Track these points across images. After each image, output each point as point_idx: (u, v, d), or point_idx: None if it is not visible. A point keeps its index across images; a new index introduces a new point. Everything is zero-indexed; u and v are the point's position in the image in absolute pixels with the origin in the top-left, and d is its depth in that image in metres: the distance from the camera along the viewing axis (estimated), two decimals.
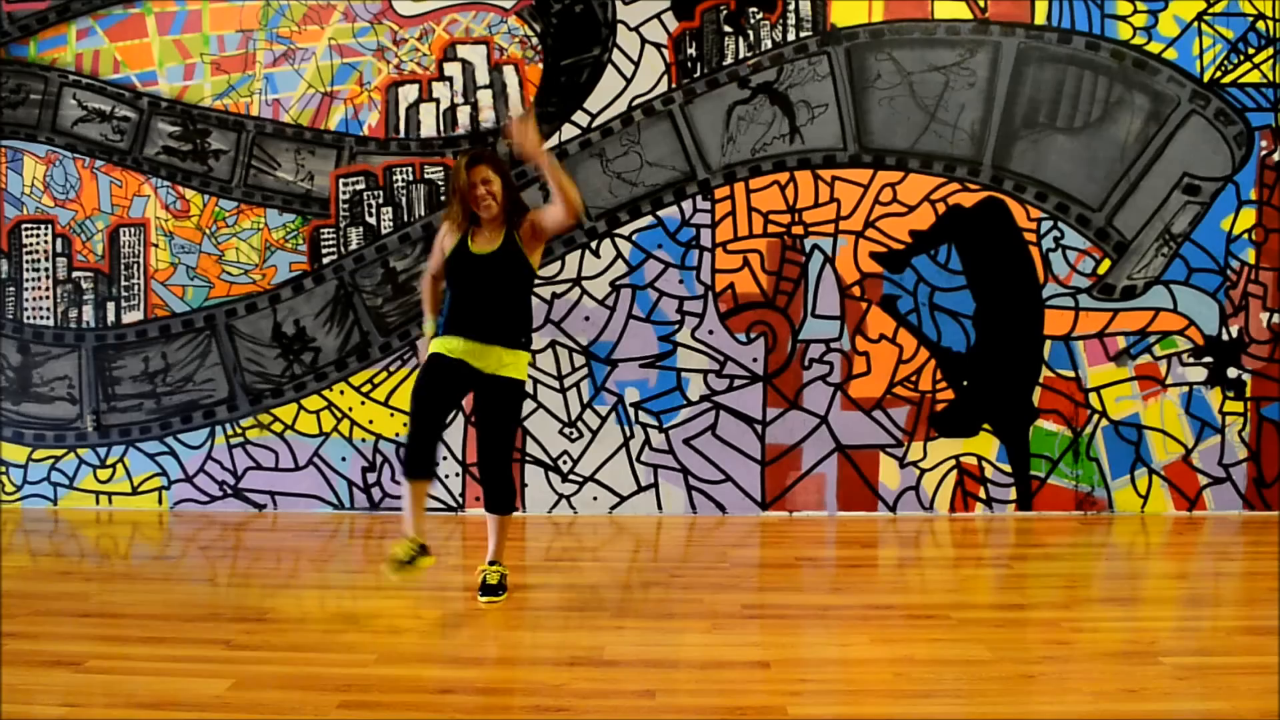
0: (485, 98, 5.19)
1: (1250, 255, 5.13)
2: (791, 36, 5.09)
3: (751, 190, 5.12)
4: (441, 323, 3.78)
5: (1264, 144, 5.08)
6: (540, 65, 5.17)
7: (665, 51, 5.12)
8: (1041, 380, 5.16)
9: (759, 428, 5.18)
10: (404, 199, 5.21)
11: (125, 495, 5.38)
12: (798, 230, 5.13)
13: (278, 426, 5.29)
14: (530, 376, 5.17)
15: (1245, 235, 5.12)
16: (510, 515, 3.85)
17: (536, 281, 5.17)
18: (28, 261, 5.37)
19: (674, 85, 5.12)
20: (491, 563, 3.83)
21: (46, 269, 5.36)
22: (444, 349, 3.70)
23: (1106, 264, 5.12)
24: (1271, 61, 5.07)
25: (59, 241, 5.35)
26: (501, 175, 3.70)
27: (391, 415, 5.25)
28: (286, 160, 5.25)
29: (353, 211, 5.24)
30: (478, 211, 3.68)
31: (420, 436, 3.64)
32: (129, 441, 5.35)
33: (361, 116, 5.22)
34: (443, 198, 5.17)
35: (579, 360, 5.18)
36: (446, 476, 5.23)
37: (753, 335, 5.16)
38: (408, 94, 5.21)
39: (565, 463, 5.22)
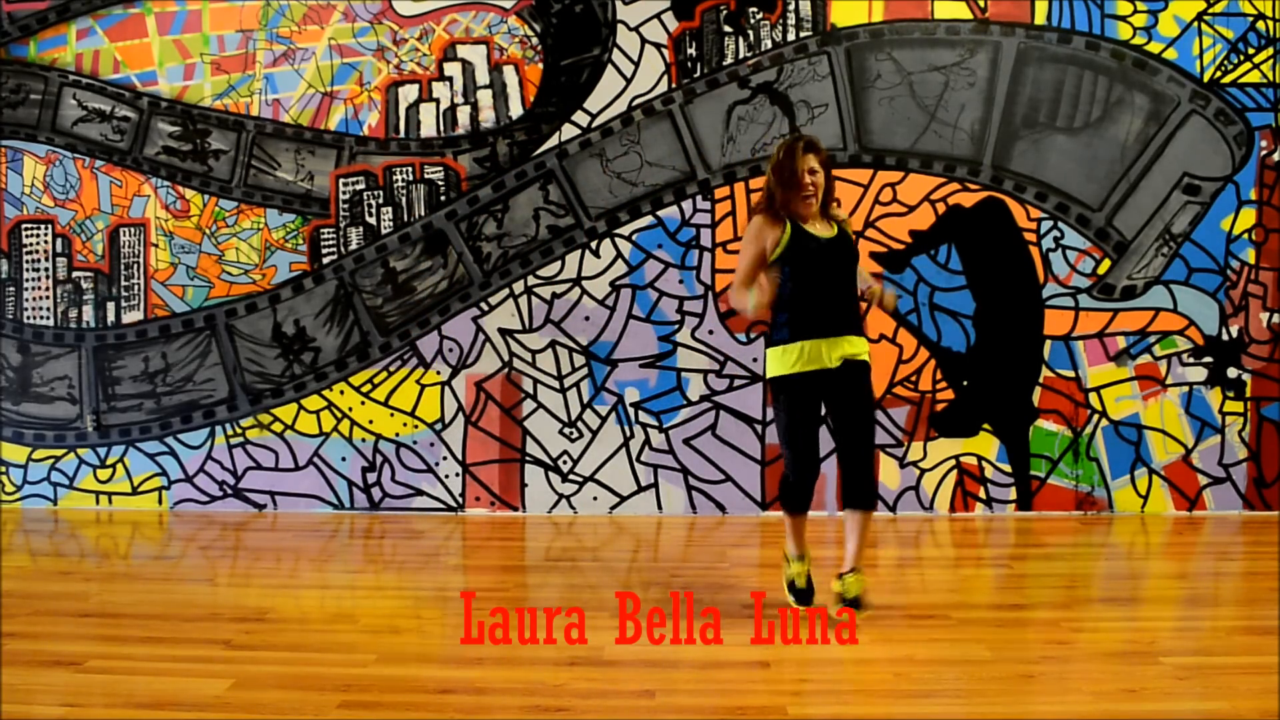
0: (485, 98, 5.19)
1: (1250, 255, 5.13)
2: (791, 36, 5.09)
3: (751, 190, 5.12)
4: (784, 325, 3.47)
5: (1264, 144, 5.08)
6: (540, 65, 5.17)
7: (665, 51, 5.12)
8: (1041, 380, 5.15)
9: (759, 428, 5.18)
10: (404, 199, 5.21)
11: (125, 495, 5.38)
12: None
13: (278, 426, 5.29)
14: (530, 377, 5.18)
15: (1245, 235, 5.12)
16: (872, 512, 3.54)
17: (535, 281, 5.20)
18: (28, 261, 5.37)
19: (674, 85, 5.12)
20: (851, 570, 3.48)
21: (46, 269, 5.36)
22: (798, 362, 3.43)
23: (1106, 264, 5.12)
24: (1271, 61, 5.07)
25: (59, 241, 5.35)
26: (826, 168, 3.47)
27: (391, 415, 5.25)
28: (286, 160, 5.25)
29: (353, 211, 5.24)
30: (798, 202, 3.42)
31: (804, 474, 3.53)
32: (129, 441, 5.35)
33: (361, 116, 5.22)
34: (445, 194, 5.17)
35: (579, 360, 5.18)
36: (446, 476, 5.23)
37: (753, 335, 5.15)
38: (408, 94, 5.21)
39: (565, 463, 5.22)
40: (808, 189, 3.42)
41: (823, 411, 3.54)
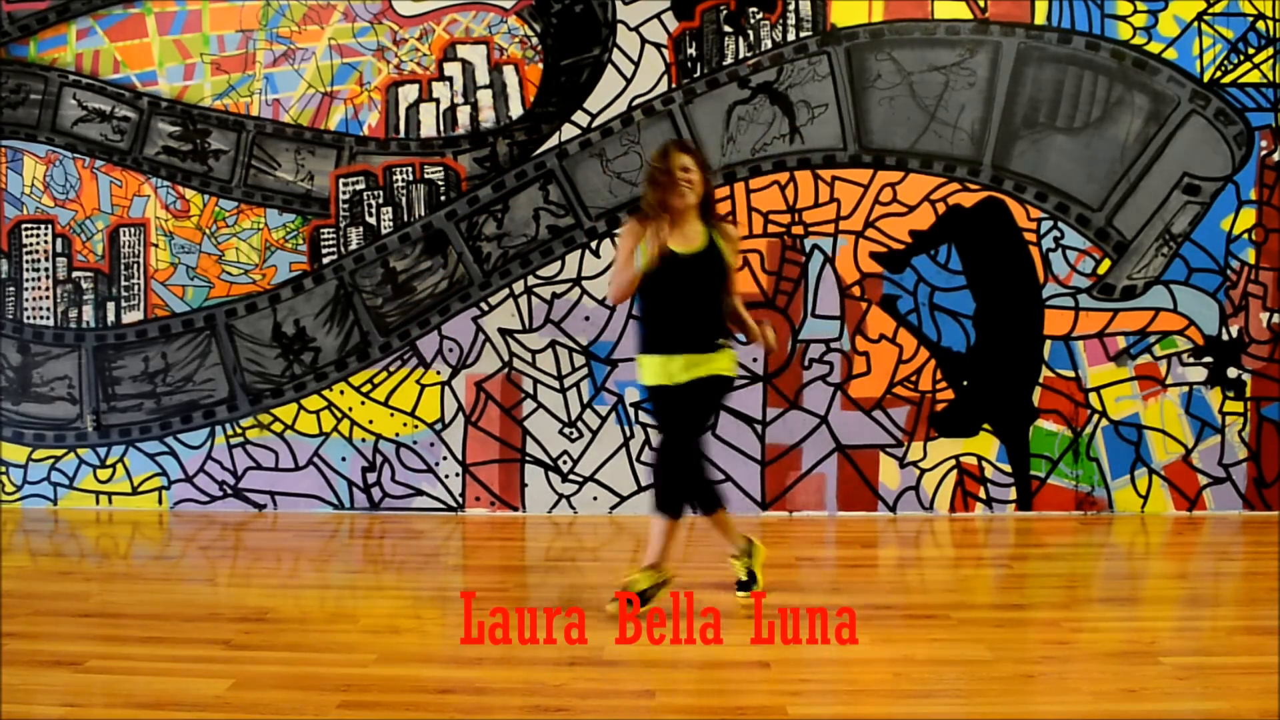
0: (485, 98, 5.19)
1: (1250, 255, 5.13)
2: (791, 36, 5.09)
3: (751, 190, 5.12)
4: (642, 335, 3.58)
5: (1264, 144, 5.08)
6: (540, 65, 5.16)
7: (665, 51, 5.12)
8: (1041, 380, 5.15)
9: (759, 428, 5.18)
10: (404, 199, 5.21)
11: (125, 495, 5.38)
12: (798, 230, 5.13)
13: (278, 426, 5.29)
14: (530, 376, 5.17)
15: (1245, 235, 5.12)
16: (668, 519, 3.57)
17: (536, 281, 5.20)
18: (28, 261, 5.37)
19: (674, 85, 5.12)
20: (649, 567, 3.57)
21: (46, 269, 5.36)
22: (663, 376, 3.53)
23: (1106, 264, 5.12)
24: (1271, 61, 5.07)
25: (59, 241, 5.35)
26: (703, 169, 3.56)
27: (392, 415, 5.25)
28: (286, 160, 5.25)
29: (353, 211, 5.24)
30: (672, 197, 3.49)
31: (698, 478, 3.58)
32: (129, 441, 5.35)
33: (361, 116, 5.22)
34: (446, 194, 5.17)
35: (579, 360, 5.18)
36: (446, 476, 5.23)
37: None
38: (408, 94, 5.21)
39: (565, 463, 5.22)
40: (682, 184, 3.47)
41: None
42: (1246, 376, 5.16)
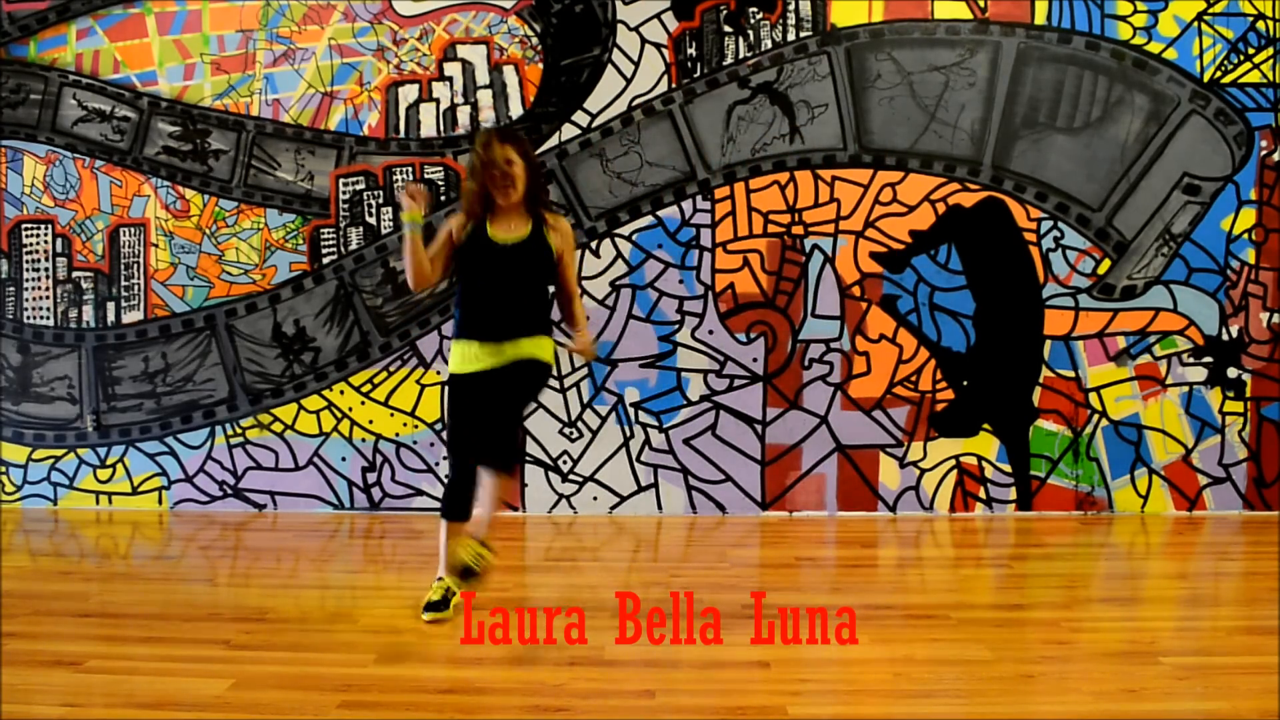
0: (485, 98, 5.19)
1: (1250, 255, 5.13)
2: (791, 36, 5.09)
3: (751, 190, 5.12)
4: (456, 322, 3.54)
5: (1264, 144, 5.08)
6: (540, 65, 5.17)
7: (665, 51, 5.12)
8: (1041, 380, 5.15)
9: (759, 428, 5.18)
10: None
11: (125, 495, 5.38)
12: (798, 230, 5.13)
13: (278, 426, 5.29)
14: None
15: (1245, 235, 5.12)
16: (504, 476, 3.53)
17: None
18: (28, 261, 5.37)
19: (674, 85, 5.12)
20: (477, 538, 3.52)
21: (46, 269, 5.36)
22: (463, 363, 3.49)
23: (1106, 264, 5.12)
24: (1271, 61, 5.07)
25: (59, 241, 5.35)
26: (525, 158, 3.45)
27: (391, 415, 5.25)
28: (286, 160, 5.25)
29: (353, 211, 5.24)
30: (495, 192, 3.43)
31: (462, 479, 3.53)
32: (129, 441, 5.35)
33: (361, 116, 5.22)
34: (446, 194, 5.17)
35: (579, 360, 5.18)
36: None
37: (753, 335, 5.16)
38: (408, 94, 5.21)
39: (565, 463, 5.22)
40: (503, 178, 3.39)
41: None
42: (1246, 376, 5.16)
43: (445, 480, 3.63)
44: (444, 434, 3.63)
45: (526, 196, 3.48)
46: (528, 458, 5.22)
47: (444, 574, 3.58)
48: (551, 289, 3.67)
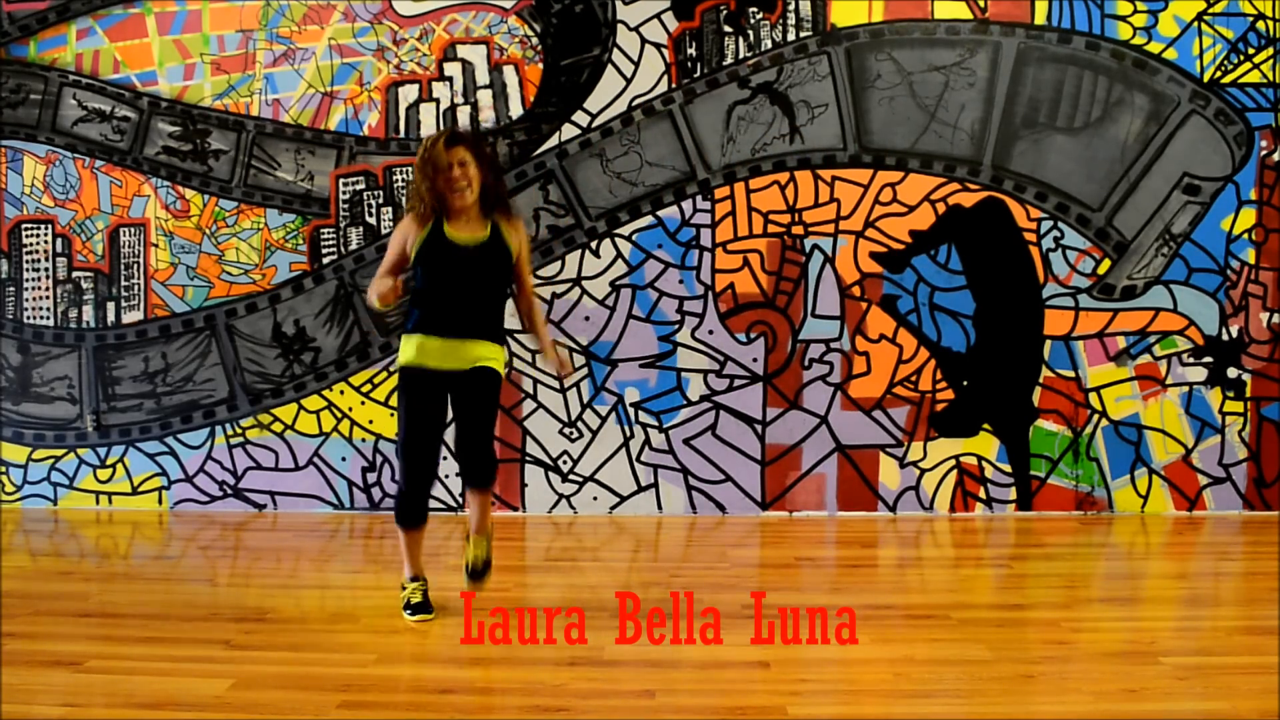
0: (485, 98, 5.19)
1: (1250, 255, 5.13)
2: (791, 36, 5.09)
3: (751, 190, 5.12)
4: (412, 318, 3.46)
5: (1264, 144, 5.08)
6: (540, 65, 5.16)
7: (665, 51, 5.12)
8: (1041, 380, 5.15)
9: (759, 428, 5.18)
10: (404, 199, 5.20)
11: (125, 495, 5.38)
12: (798, 230, 5.13)
13: (278, 426, 5.29)
14: (530, 376, 5.17)
15: (1245, 235, 5.12)
16: (490, 489, 3.63)
17: (536, 282, 5.19)
18: (28, 261, 5.37)
19: (674, 85, 5.12)
20: (478, 532, 3.64)
21: (46, 269, 5.36)
22: (417, 355, 3.42)
23: (1106, 264, 5.12)
24: (1271, 61, 5.07)
25: (59, 241, 5.35)
26: (479, 159, 3.39)
27: (392, 415, 5.25)
28: (286, 160, 5.25)
29: (353, 211, 5.24)
30: (449, 196, 3.36)
31: (418, 483, 3.47)
32: (129, 441, 5.35)
33: (361, 116, 5.22)
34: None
35: (579, 360, 5.18)
36: (446, 476, 5.23)
37: (753, 335, 5.16)
38: (408, 94, 5.21)
39: (565, 463, 5.22)
40: (457, 182, 3.34)
41: (446, 419, 3.51)
42: (1246, 376, 5.16)
43: (397, 485, 3.52)
44: (397, 432, 3.55)
45: (483, 197, 3.44)
46: (528, 458, 5.22)
47: (416, 574, 3.61)
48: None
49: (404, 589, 3.63)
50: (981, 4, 5.06)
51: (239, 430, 5.31)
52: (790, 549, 4.56)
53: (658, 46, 5.12)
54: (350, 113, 5.22)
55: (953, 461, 5.18)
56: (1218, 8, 5.05)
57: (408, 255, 3.45)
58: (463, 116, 5.19)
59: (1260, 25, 5.06)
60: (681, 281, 5.16)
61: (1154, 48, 5.05)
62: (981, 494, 5.19)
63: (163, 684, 2.92)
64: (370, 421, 5.26)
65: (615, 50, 5.13)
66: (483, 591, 3.70)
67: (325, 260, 5.25)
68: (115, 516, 5.25)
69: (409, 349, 3.46)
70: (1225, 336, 5.14)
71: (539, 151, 5.14)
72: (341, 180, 5.23)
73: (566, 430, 5.21)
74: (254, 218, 5.27)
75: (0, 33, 5.30)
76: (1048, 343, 5.14)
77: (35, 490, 5.41)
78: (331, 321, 5.26)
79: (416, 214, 3.44)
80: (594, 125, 5.13)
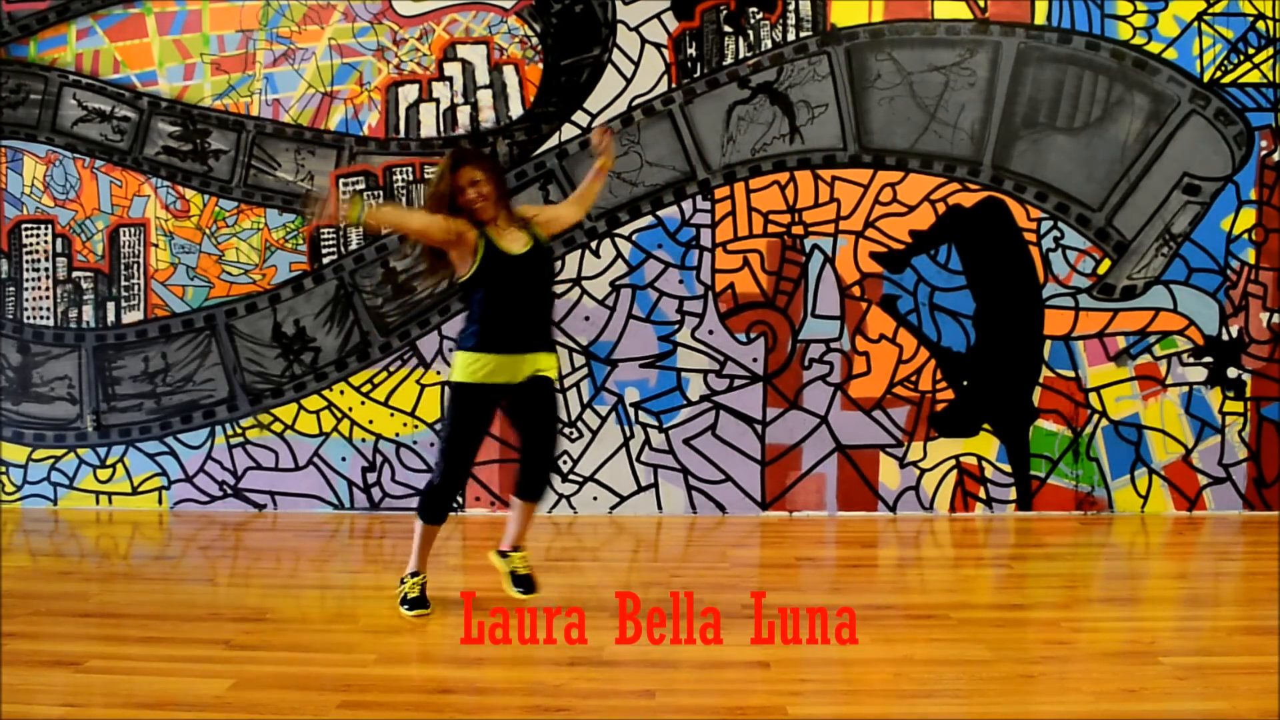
0: (485, 98, 5.19)
1: (1250, 255, 5.13)
2: (791, 36, 5.09)
3: (751, 190, 5.12)
4: (471, 333, 3.50)
5: (1264, 144, 5.08)
6: (540, 65, 5.17)
7: (665, 51, 5.12)
8: (1041, 380, 5.15)
9: (759, 428, 5.18)
10: (404, 199, 5.21)
11: (125, 495, 5.38)
12: (798, 230, 5.13)
13: (278, 426, 5.29)
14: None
15: (1245, 235, 5.12)
16: (538, 505, 3.77)
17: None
18: (28, 261, 5.37)
19: (674, 85, 5.12)
20: (515, 549, 3.76)
21: (46, 269, 5.36)
22: (479, 374, 3.47)
23: (1106, 264, 5.12)
24: (1271, 61, 5.07)
25: (59, 241, 5.35)
26: (490, 172, 3.47)
27: (392, 415, 5.25)
28: (286, 160, 5.25)
29: None
30: (474, 212, 3.44)
31: (455, 483, 3.59)
32: (129, 441, 5.35)
33: (361, 116, 5.22)
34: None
35: (579, 360, 5.18)
36: None
37: (753, 335, 5.16)
38: (408, 94, 5.21)
39: (565, 463, 5.22)
40: (475, 202, 3.42)
41: (491, 428, 3.63)
42: (1246, 376, 5.16)
43: (431, 483, 3.58)
44: (444, 434, 3.58)
45: (502, 206, 3.52)
46: None
47: (419, 569, 3.67)
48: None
49: (403, 583, 3.67)
50: (981, 4, 5.06)
51: (239, 430, 5.31)
52: (790, 549, 4.56)
53: (658, 46, 5.12)
54: (350, 113, 5.22)
55: (953, 461, 5.18)
56: (1218, 8, 5.05)
57: (443, 243, 3.46)
58: (463, 116, 5.19)
59: (1260, 25, 5.06)
60: (681, 281, 5.16)
61: (1154, 48, 5.05)
62: (981, 494, 5.19)
63: (163, 684, 2.92)
64: (370, 421, 5.26)
65: (615, 50, 5.13)
66: (483, 592, 3.70)
67: (325, 260, 5.25)
68: (115, 516, 5.25)
69: (472, 368, 3.48)
70: (1225, 336, 5.14)
71: (539, 151, 5.14)
72: (341, 180, 5.23)
73: (566, 430, 5.21)
74: (254, 218, 5.27)
75: (0, 33, 5.30)
76: (1048, 343, 5.14)
77: (35, 490, 5.41)
78: (331, 321, 5.26)
79: (436, 212, 3.44)
80: (594, 125, 5.13)
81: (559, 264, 5.15)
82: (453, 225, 3.43)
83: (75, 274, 5.35)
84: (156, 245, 5.32)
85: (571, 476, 5.23)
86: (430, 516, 3.62)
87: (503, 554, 3.78)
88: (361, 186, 5.22)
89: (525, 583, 3.68)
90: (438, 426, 5.21)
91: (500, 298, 3.47)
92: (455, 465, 3.56)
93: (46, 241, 5.36)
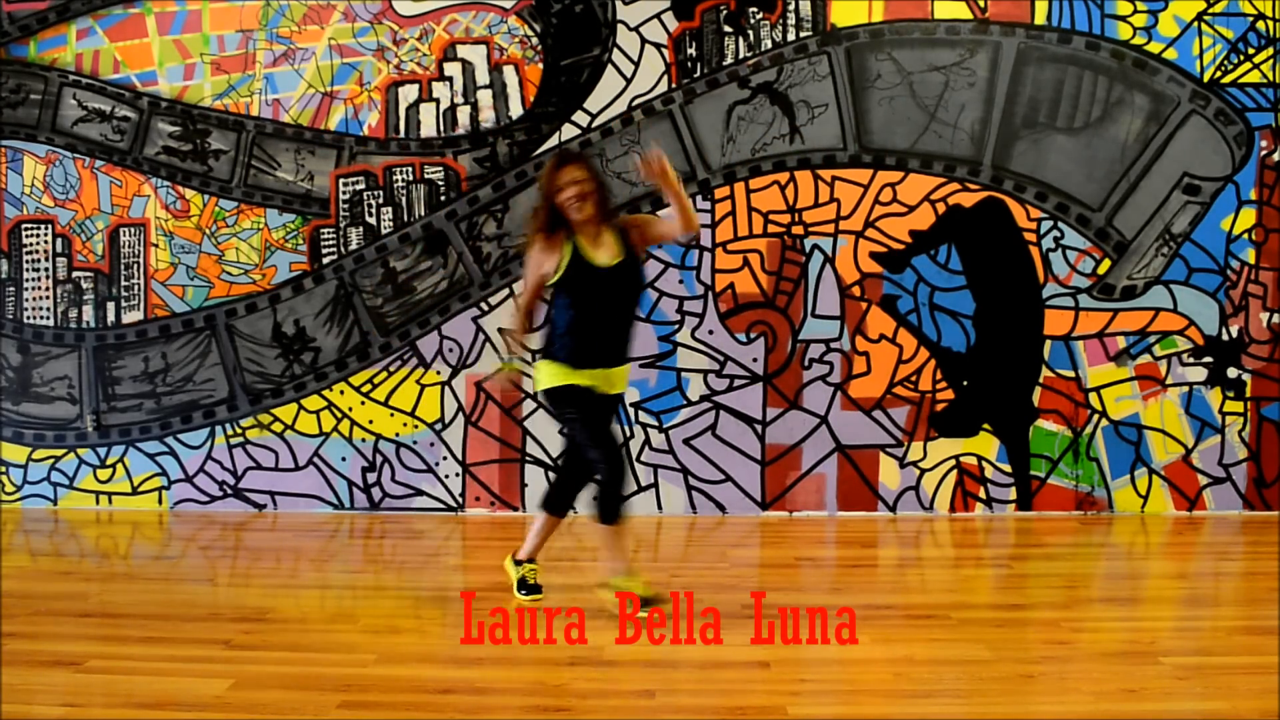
0: (485, 98, 5.19)
1: (1250, 255, 5.13)
2: (791, 36, 5.09)
3: (751, 190, 5.12)
4: (559, 347, 3.48)
5: (1264, 144, 5.08)
6: (540, 65, 5.16)
7: (665, 51, 5.12)
8: (1041, 380, 5.15)
9: (759, 428, 5.17)
10: (404, 199, 5.21)
11: (125, 495, 5.38)
12: (798, 230, 5.13)
13: (278, 426, 5.29)
14: (530, 376, 5.16)
15: (1245, 235, 5.12)
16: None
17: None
18: (28, 261, 5.37)
19: (674, 85, 5.12)
20: (627, 574, 3.56)
21: (46, 269, 5.36)
22: (575, 379, 3.46)
23: (1106, 264, 5.12)
24: (1271, 61, 5.07)
25: (59, 241, 5.35)
26: (593, 175, 3.47)
27: (392, 415, 5.25)
28: (286, 160, 5.25)
29: (353, 211, 5.24)
30: (570, 213, 3.42)
31: (622, 467, 3.53)
32: (129, 441, 5.35)
33: (361, 116, 5.22)
34: (445, 194, 5.17)
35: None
36: (447, 476, 5.23)
37: (753, 335, 5.16)
38: (408, 94, 5.21)
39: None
40: (572, 201, 3.40)
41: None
42: (1246, 376, 5.16)
43: (601, 482, 3.50)
44: (575, 434, 3.57)
45: (601, 211, 3.49)
46: (528, 458, 5.22)
47: (533, 556, 3.77)
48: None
49: (519, 565, 3.73)
50: (981, 4, 5.06)
51: (239, 430, 5.31)
52: (790, 549, 4.56)
53: (658, 46, 5.12)
54: (350, 113, 5.22)
55: (953, 461, 5.18)
56: (1218, 8, 5.05)
57: (545, 279, 3.50)
58: (463, 116, 5.19)
59: (1260, 25, 5.06)
60: (681, 281, 5.16)
61: (1154, 48, 5.05)
62: (981, 494, 5.19)
63: (163, 684, 2.91)
64: (370, 421, 5.26)
65: (615, 50, 5.13)
66: (483, 592, 3.70)
67: (325, 260, 5.25)
68: (115, 516, 5.25)
69: (557, 376, 3.50)
70: (1225, 336, 5.14)
71: (539, 151, 5.14)
72: (341, 180, 5.23)
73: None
74: (254, 218, 5.27)
75: (0, 33, 5.30)
76: (1048, 343, 5.14)
77: (35, 490, 5.41)
78: (331, 321, 5.26)
79: (545, 237, 3.46)
80: (594, 125, 5.13)
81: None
82: (547, 244, 3.45)
83: (75, 274, 5.35)
84: (156, 245, 5.32)
85: None
86: (615, 515, 3.51)
87: (517, 560, 3.82)
88: (361, 186, 5.21)
89: (656, 600, 3.50)
90: (438, 426, 5.21)
91: (586, 311, 3.46)
92: (609, 449, 3.52)
93: (46, 241, 5.36)
